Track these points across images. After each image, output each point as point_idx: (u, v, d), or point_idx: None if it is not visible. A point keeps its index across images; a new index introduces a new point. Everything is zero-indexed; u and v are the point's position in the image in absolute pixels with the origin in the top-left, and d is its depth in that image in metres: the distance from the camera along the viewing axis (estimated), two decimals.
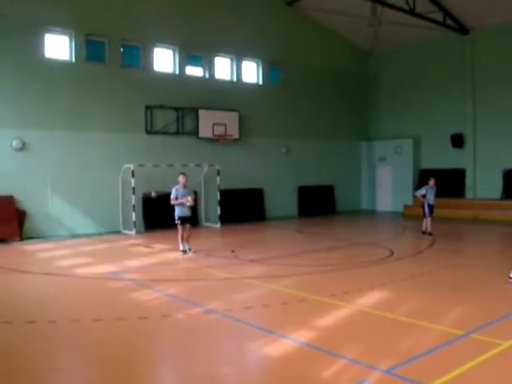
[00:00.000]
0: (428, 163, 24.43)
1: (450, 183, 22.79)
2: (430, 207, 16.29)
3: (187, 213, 13.34)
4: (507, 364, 5.78)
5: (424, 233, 16.30)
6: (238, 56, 21.73)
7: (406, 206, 24.11)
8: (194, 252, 13.29)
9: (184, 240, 13.40)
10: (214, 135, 20.18)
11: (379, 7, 20.00)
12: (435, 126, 23.98)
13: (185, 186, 13.38)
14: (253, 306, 8.28)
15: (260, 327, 7.20)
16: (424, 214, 16.36)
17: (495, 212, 20.65)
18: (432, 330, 6.96)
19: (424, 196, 16.30)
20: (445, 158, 23.67)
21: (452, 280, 10.32)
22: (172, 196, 13.27)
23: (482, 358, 5.83)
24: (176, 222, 13.35)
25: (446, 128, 23.45)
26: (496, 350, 6.07)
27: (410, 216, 22.94)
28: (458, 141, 23.06)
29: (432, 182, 16.54)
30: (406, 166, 24.80)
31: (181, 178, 13.38)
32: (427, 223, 16.34)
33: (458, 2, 20.80)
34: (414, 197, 24.08)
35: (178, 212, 13.31)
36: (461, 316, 7.74)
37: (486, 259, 12.68)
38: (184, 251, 13.30)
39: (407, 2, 19.82)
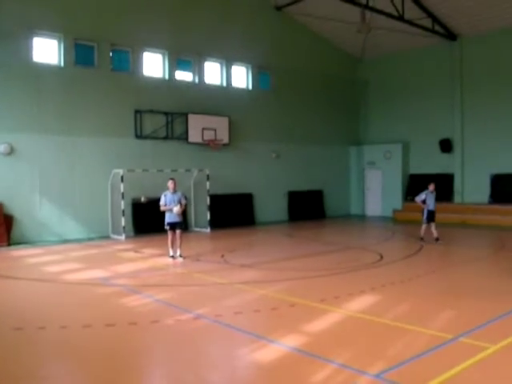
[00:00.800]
0: (417, 168, 24.59)
1: (439, 188, 22.72)
2: (431, 213, 15.83)
3: (176, 218, 13.29)
4: (495, 367, 5.82)
5: (422, 239, 15.85)
6: (228, 61, 21.76)
7: (395, 211, 24.22)
8: (184, 258, 13.19)
9: (174, 246, 13.35)
10: (203, 140, 20.17)
11: (368, 13, 20.14)
12: (424, 131, 24.14)
13: (174, 191, 13.36)
14: (243, 311, 8.27)
15: (250, 332, 7.19)
16: (423, 219, 15.92)
17: (483, 216, 20.80)
18: (421, 334, 6.99)
19: (424, 202, 15.84)
20: (433, 163, 23.84)
21: (441, 284, 10.40)
22: (161, 202, 13.25)
23: (471, 361, 5.87)
24: (165, 227, 13.33)
25: (434, 133, 23.62)
26: (484, 354, 6.11)
27: (399, 220, 23.07)
28: (446, 146, 23.23)
29: (432, 186, 16.14)
30: (395, 171, 24.92)
31: (170, 184, 13.36)
32: (428, 229, 15.83)
33: (446, 8, 20.99)
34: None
35: (167, 218, 13.30)
36: (449, 320, 7.77)
37: (474, 263, 12.76)
38: (172, 257, 13.26)
39: (396, 9, 19.95)
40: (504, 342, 6.51)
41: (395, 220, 23.53)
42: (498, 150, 21.68)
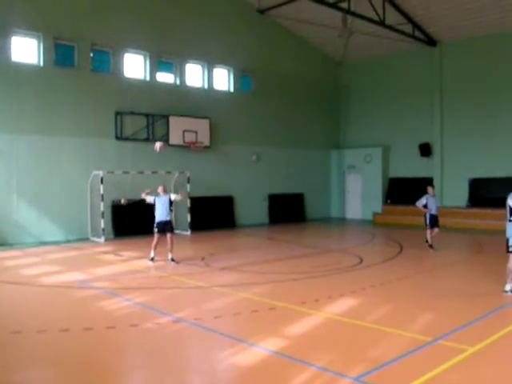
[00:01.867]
0: (397, 171, 24.80)
1: (418, 191, 23.02)
2: (433, 217, 15.06)
3: (166, 217, 13.19)
4: (473, 369, 5.87)
5: (431, 246, 15.00)
6: (210, 63, 21.72)
7: (375, 214, 24.39)
8: (177, 263, 13.02)
9: (166, 249, 13.24)
10: (184, 142, 20.09)
11: (350, 18, 20.27)
12: (404, 135, 24.36)
13: (165, 191, 13.44)
14: (223, 314, 8.24)
15: (230, 336, 7.16)
16: (426, 224, 15.21)
17: (461, 220, 21.02)
18: (401, 336, 7.02)
19: (425, 206, 15.06)
20: (413, 167, 24.06)
21: (420, 287, 10.47)
22: (147, 198, 13.42)
23: (449, 363, 5.91)
24: (154, 229, 13.19)
25: (414, 137, 23.84)
26: (462, 356, 6.16)
27: (379, 224, 23.22)
28: (425, 150, 23.46)
29: (431, 190, 15.46)
30: (375, 174, 25.09)
31: (160, 189, 13.34)
32: (431, 234, 15.10)
33: (426, 15, 21.21)
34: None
35: (157, 217, 13.16)
36: (429, 323, 7.82)
37: (453, 266, 12.88)
38: (152, 259, 13.14)
39: (377, 14, 20.11)
40: (482, 344, 6.57)
41: (375, 223, 23.68)
42: (476, 154, 21.95)
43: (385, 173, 25.10)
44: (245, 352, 6.52)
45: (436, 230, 15.11)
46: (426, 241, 15.16)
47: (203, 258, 13.71)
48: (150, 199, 13.41)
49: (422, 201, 15.17)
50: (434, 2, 20.04)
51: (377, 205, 24.78)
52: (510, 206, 9.37)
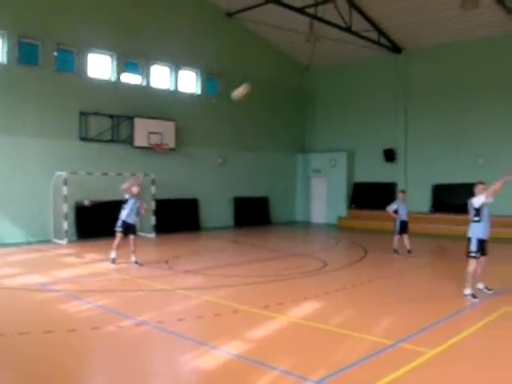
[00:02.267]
0: (362, 176, 25.11)
1: (383, 196, 23.48)
2: (403, 223, 15.02)
3: (133, 219, 13.10)
4: (432, 372, 5.97)
5: (395, 251, 15.03)
6: (177, 65, 21.61)
7: (339, 218, 24.63)
8: (141, 265, 12.88)
9: (129, 251, 13.09)
10: (149, 144, 19.92)
11: (317, 23, 20.45)
12: (369, 141, 24.68)
13: (138, 194, 13.37)
14: (185, 317, 8.19)
15: (192, 339, 7.12)
16: (395, 230, 15.12)
17: (425, 225, 21.36)
18: (363, 340, 7.10)
19: (396, 212, 15.00)
20: (377, 172, 24.39)
21: (383, 291, 10.61)
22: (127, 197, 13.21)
23: (410, 366, 6.01)
24: (117, 228, 12.98)
25: (379, 142, 24.18)
26: (422, 359, 6.27)
27: (343, 228, 23.46)
28: (390, 155, 23.83)
29: (401, 195, 15.49)
30: (339, 179, 25.35)
31: (136, 191, 13.17)
32: (400, 240, 15.00)
33: (391, 22, 21.57)
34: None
35: (125, 216, 12.94)
36: (390, 326, 7.94)
37: (416, 271, 13.10)
38: (113, 260, 12.95)
39: (344, 20, 20.34)
40: (442, 347, 6.70)
41: (340, 227, 23.91)
42: (439, 160, 22.39)
43: (349, 177, 25.37)
44: (207, 355, 6.50)
45: (405, 236, 15.02)
46: (395, 250, 15.12)
47: (167, 261, 13.61)
48: (128, 195, 13.06)
49: (393, 206, 15.18)
50: (399, 10, 20.39)
51: (341, 209, 25.03)
52: (472, 206, 9.67)
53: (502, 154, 20.39)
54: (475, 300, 9.39)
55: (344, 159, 25.25)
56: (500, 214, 16.82)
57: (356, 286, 10.82)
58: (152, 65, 20.84)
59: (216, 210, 22.86)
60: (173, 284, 10.91)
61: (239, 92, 13.00)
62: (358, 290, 10.51)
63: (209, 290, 10.24)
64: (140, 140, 19.70)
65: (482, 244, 9.68)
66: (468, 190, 10.57)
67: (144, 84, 20.61)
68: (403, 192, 15.95)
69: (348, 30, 20.67)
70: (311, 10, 19.58)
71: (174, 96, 21.53)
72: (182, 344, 7.04)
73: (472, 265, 9.61)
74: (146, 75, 20.64)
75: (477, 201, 9.59)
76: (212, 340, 7.04)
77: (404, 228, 15.04)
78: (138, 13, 20.00)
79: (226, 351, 6.60)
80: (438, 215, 21.81)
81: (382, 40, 22.54)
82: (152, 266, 12.92)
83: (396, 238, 15.11)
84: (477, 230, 9.66)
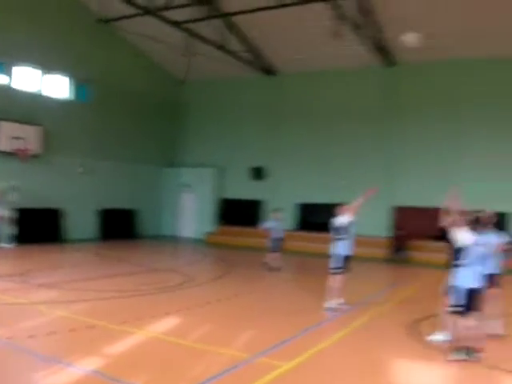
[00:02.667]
0: (232, 193, 25.32)
1: (251, 214, 23.98)
2: (276, 241, 15.17)
3: None
4: None
5: (270, 268, 15.07)
6: (45, 68, 20.41)
7: (208, 234, 24.62)
8: None
9: None
10: (12, 149, 18.60)
11: (193, 39, 20.46)
12: (239, 158, 25.00)
13: None
14: (37, 333, 7.63)
15: (44, 356, 6.65)
16: (269, 247, 15.26)
17: (291, 242, 21.70)
18: (222, 354, 7.04)
19: (269, 229, 15.21)
20: (247, 189, 24.76)
21: (247, 305, 10.68)
22: None
23: (265, 379, 6.04)
24: None
25: (249, 160, 24.58)
26: (278, 372, 6.34)
27: (212, 243, 23.45)
28: (258, 173, 24.33)
29: (275, 214, 15.68)
30: (209, 195, 25.40)
31: None
32: (273, 257, 15.16)
33: (266, 45, 22.16)
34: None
35: None
36: (250, 340, 7.99)
37: (281, 286, 13.40)
38: None
39: (220, 39, 20.53)
40: (297, 360, 6.83)
41: (208, 243, 23.87)
42: (306, 179, 23.26)
43: (219, 193, 25.52)
44: (60, 373, 6.12)
45: (277, 254, 15.18)
46: (265, 263, 15.25)
47: (22, 274, 12.67)
48: None
49: (266, 224, 15.43)
50: (276, 34, 20.99)
51: (210, 225, 25.07)
52: (338, 225, 10.19)
53: (361, 176, 21.57)
54: (335, 313, 9.81)
55: (214, 175, 25.37)
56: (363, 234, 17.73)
57: (221, 301, 10.78)
58: (18, 66, 19.51)
59: (81, 221, 21.78)
60: (26, 298, 10.16)
61: (412, 38, 12.38)
62: (221, 305, 10.46)
63: (64, 305, 9.65)
64: (2, 144, 18.34)
65: (345, 260, 10.21)
66: (331, 209, 11.05)
67: (8, 86, 19.21)
68: (277, 210, 16.15)
69: (222, 48, 20.89)
70: (188, 25, 19.56)
71: (41, 100, 20.32)
72: (34, 361, 6.54)
73: (334, 280, 10.08)
74: (11, 76, 19.29)
75: (342, 220, 10.13)
76: (66, 356, 6.62)
77: (277, 246, 15.22)
78: (4, 12, 18.66)
79: (80, 368, 6.23)
80: (303, 233, 22.48)
81: (257, 61, 23.10)
82: (5, 279, 11.96)
83: (269, 255, 15.27)
84: (342, 247, 10.17)
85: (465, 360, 6.96)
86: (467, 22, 17.93)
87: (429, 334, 8.11)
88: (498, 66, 19.76)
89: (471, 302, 6.93)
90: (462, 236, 7.06)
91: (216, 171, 25.39)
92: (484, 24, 17.77)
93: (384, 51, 20.60)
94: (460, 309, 6.99)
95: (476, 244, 6.98)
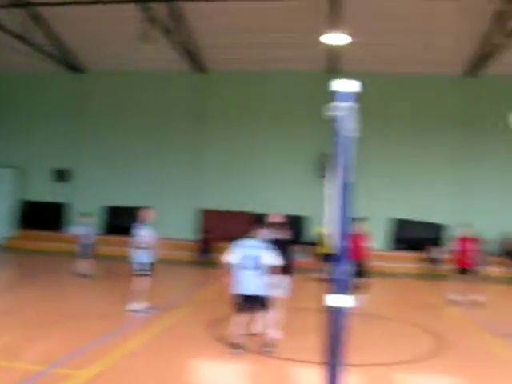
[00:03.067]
0: (35, 195, 23.67)
1: (54, 217, 22.86)
2: (86, 247, 14.48)
3: None
4: None
5: (83, 275, 14.26)
6: None
7: (7, 239, 22.72)
8: None
9: None
10: None
11: None
12: (43, 159, 23.47)
13: None
14: None
15: None
16: (79, 254, 14.51)
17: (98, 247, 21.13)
18: (11, 369, 6.61)
19: (78, 235, 14.54)
20: (50, 191, 23.40)
21: (44, 314, 10.05)
22: None
23: None
24: None
25: (54, 161, 23.22)
26: (73, 382, 6.17)
27: (10, 248, 21.61)
28: (63, 175, 23.18)
29: (85, 219, 14.99)
30: (6, 197, 23.50)
31: None
32: (83, 264, 14.38)
33: (74, 42, 21.17)
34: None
35: None
36: (44, 351, 7.58)
37: (82, 292, 12.92)
38: None
39: (23, 30, 19.05)
40: (97, 368, 6.71)
41: (6, 248, 21.95)
42: (111, 183, 22.81)
43: (21, 195, 23.72)
44: None
45: (88, 260, 14.45)
46: (76, 271, 14.54)
47: None
48: None
49: (74, 229, 14.82)
50: (82, 31, 20.14)
51: (8, 229, 23.19)
52: (136, 234, 10.35)
53: (169, 180, 21.75)
54: (138, 317, 9.84)
55: (12, 176, 23.50)
56: (169, 237, 17.83)
57: (15, 311, 10.06)
58: None
59: None
60: None
61: None
62: (16, 314, 9.73)
63: None
64: None
65: (150, 264, 10.35)
66: (135, 213, 11.06)
67: None
68: (85, 215, 15.50)
69: (23, 39, 19.33)
70: None
71: None
72: None
73: (139, 282, 10.15)
74: None
75: (144, 233, 10.35)
76: None
77: (86, 251, 14.49)
78: None
79: None
80: (110, 237, 21.85)
81: (64, 57, 22.00)
82: None
83: (79, 261, 14.53)
84: (145, 254, 10.30)
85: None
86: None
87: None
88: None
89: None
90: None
91: (16, 171, 23.56)
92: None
93: (194, 58, 21.09)
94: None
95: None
